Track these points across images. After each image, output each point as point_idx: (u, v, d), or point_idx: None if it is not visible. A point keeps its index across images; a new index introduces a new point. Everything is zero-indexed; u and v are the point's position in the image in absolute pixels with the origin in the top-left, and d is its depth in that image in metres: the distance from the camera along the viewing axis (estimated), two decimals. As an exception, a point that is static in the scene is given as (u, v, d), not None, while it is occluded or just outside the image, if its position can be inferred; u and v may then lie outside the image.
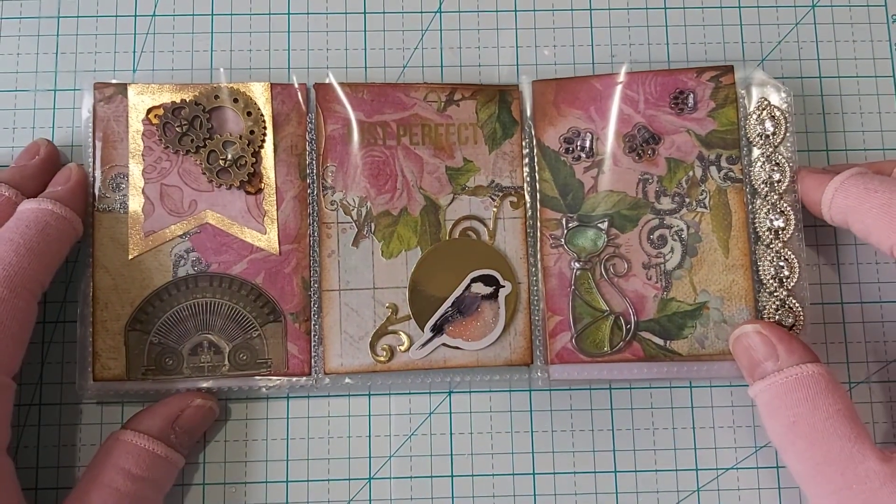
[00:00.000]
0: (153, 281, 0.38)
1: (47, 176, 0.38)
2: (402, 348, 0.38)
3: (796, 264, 0.37)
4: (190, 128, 0.38)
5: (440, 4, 0.42)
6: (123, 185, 0.38)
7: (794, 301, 0.37)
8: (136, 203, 0.38)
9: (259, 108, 0.39)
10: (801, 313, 0.37)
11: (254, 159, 0.38)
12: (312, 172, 0.39)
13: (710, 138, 0.38)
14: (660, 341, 0.38)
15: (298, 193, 0.39)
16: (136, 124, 0.38)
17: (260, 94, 0.39)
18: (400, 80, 0.41)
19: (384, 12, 0.42)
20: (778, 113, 0.38)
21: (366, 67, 0.41)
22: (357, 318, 0.38)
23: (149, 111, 0.38)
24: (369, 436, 0.39)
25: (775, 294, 0.37)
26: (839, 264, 0.40)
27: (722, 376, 0.38)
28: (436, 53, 0.42)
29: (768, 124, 0.38)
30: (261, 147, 0.38)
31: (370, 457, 0.39)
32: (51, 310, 0.39)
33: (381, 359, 0.38)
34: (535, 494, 0.38)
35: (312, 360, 0.38)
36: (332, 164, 0.38)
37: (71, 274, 0.39)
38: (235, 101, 0.39)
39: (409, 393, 0.39)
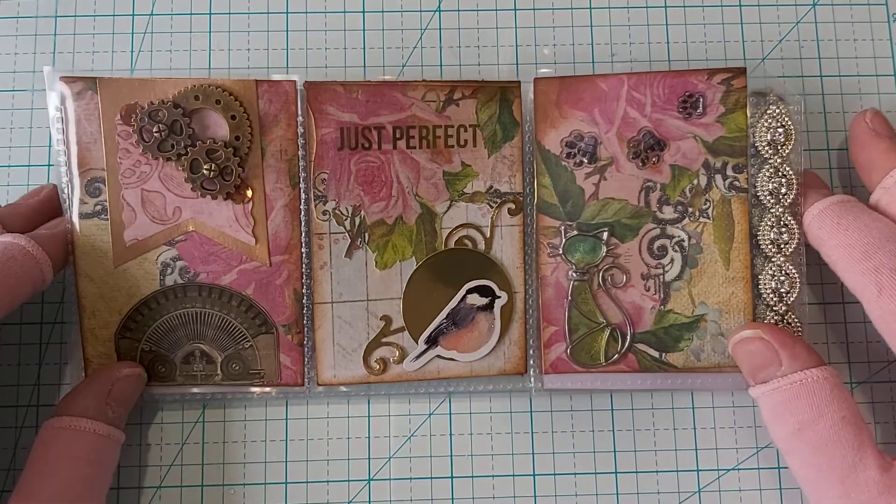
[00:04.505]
0: (140, 290, 0.36)
1: (40, 218, 0.36)
2: (395, 360, 0.37)
3: (797, 279, 0.36)
4: (170, 133, 0.36)
5: (439, 3, 0.42)
6: (102, 190, 0.36)
7: (792, 316, 0.36)
8: (116, 210, 0.36)
9: (244, 111, 0.36)
10: (800, 329, 0.36)
11: (240, 169, 0.36)
12: (303, 180, 0.37)
13: (716, 145, 0.37)
14: (655, 353, 0.37)
15: (289, 202, 0.36)
16: (109, 124, 0.36)
17: (244, 93, 0.36)
18: (399, 80, 0.40)
19: (383, 11, 0.41)
20: (788, 122, 0.36)
21: (364, 66, 0.41)
22: (350, 330, 0.37)
23: (122, 109, 0.36)
24: (368, 437, 0.38)
25: (774, 308, 0.36)
26: (841, 264, 0.40)
27: (717, 388, 0.38)
28: (435, 52, 0.41)
29: (778, 133, 0.36)
30: (247, 153, 0.36)
31: (369, 458, 0.38)
32: (48, 311, 0.38)
33: (375, 370, 0.37)
34: (535, 496, 0.38)
35: (305, 370, 0.37)
36: (323, 172, 0.37)
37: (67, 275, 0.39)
38: (217, 102, 0.36)
39: (409, 394, 0.39)
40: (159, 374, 0.37)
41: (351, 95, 0.37)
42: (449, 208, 0.37)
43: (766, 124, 0.37)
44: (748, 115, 0.37)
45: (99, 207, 0.36)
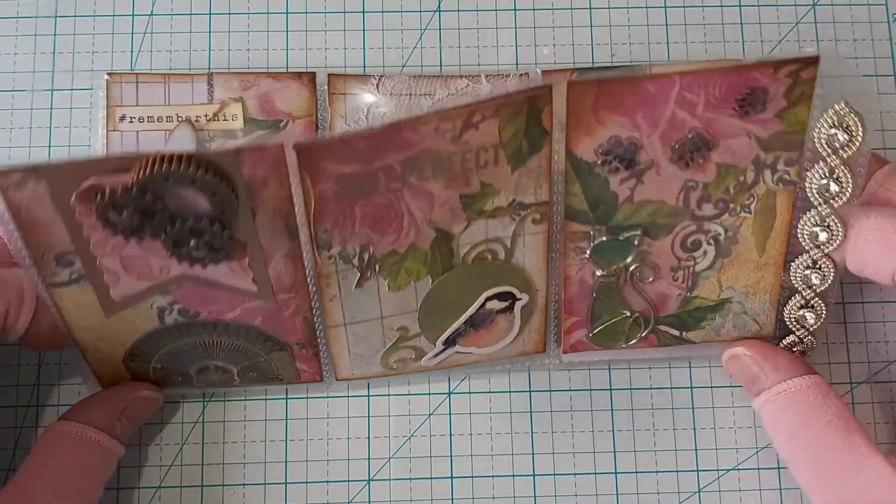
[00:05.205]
0: (139, 328, 0.34)
1: None
2: (413, 359, 0.36)
3: (832, 272, 0.34)
4: (142, 219, 0.29)
5: (439, 3, 0.42)
6: (74, 261, 0.31)
7: (819, 302, 0.35)
8: (96, 276, 0.31)
9: (226, 182, 0.29)
10: (824, 313, 0.35)
11: (230, 241, 0.31)
12: (303, 232, 0.32)
13: (772, 140, 0.32)
14: (676, 332, 0.36)
15: (289, 252, 0.32)
16: (65, 209, 0.29)
17: (223, 164, 0.29)
18: (407, 118, 0.31)
19: (383, 11, 0.41)
20: (854, 122, 0.32)
21: (364, 67, 0.41)
22: (366, 343, 0.36)
23: (77, 197, 0.29)
24: (368, 437, 0.38)
25: (801, 293, 0.35)
26: (840, 264, 0.40)
27: None
28: (435, 52, 0.41)
29: (840, 133, 0.32)
30: (235, 219, 0.30)
31: (369, 458, 0.38)
32: (48, 311, 0.39)
33: (393, 369, 0.37)
34: (535, 496, 0.38)
35: (324, 372, 0.37)
36: (325, 225, 0.32)
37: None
38: (193, 182, 0.29)
39: (409, 394, 0.39)
40: (177, 383, 0.36)
41: (350, 147, 0.31)
42: (466, 228, 0.33)
43: (827, 121, 0.33)
44: (811, 106, 0.32)
45: (75, 276, 0.31)
